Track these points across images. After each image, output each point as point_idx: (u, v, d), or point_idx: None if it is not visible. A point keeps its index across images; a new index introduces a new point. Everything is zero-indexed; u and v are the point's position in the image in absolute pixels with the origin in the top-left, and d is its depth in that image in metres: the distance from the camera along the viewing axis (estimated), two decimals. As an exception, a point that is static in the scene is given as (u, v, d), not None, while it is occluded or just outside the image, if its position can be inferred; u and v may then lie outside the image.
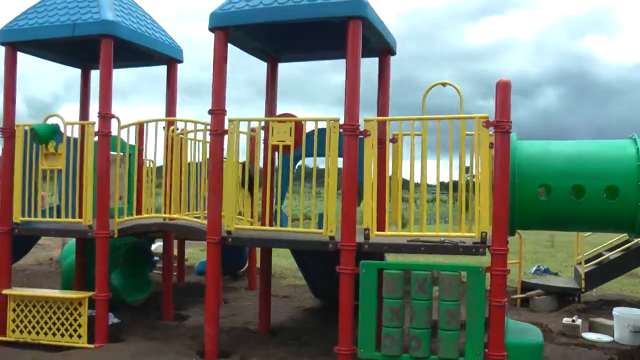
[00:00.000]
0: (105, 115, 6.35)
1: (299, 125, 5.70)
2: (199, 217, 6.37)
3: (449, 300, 5.23)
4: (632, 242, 9.10)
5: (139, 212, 6.99)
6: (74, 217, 6.64)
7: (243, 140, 6.11)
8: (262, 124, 6.15)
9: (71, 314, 6.39)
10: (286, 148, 5.67)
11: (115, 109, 6.44)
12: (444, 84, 6.08)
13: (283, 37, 6.70)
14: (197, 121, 6.35)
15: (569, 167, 5.59)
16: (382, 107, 6.70)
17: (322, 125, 5.70)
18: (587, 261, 9.34)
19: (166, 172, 6.80)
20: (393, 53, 6.80)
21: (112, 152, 6.77)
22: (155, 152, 6.84)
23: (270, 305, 7.14)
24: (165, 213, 6.69)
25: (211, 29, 5.86)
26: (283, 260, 12.83)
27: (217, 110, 5.82)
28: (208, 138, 6.41)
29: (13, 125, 6.77)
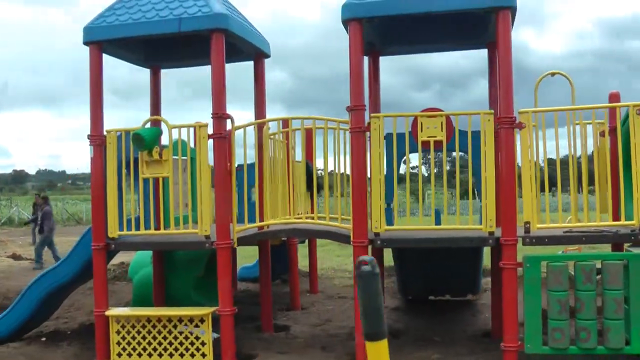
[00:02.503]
0: (221, 116, 5.93)
1: (449, 119, 5.53)
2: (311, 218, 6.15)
3: (615, 289, 5.22)
4: None
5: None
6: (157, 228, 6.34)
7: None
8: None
9: (191, 332, 5.94)
10: (438, 143, 5.49)
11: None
12: (552, 74, 6.15)
13: (393, 29, 6.50)
14: (333, 119, 5.96)
15: None
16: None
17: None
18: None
19: (260, 175, 6.44)
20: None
21: (174, 157, 6.37)
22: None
23: (381, 307, 6.88)
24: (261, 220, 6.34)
25: (344, 21, 5.59)
26: (327, 262, 12.90)
27: (358, 106, 5.56)
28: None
29: (102, 132, 6.24)
